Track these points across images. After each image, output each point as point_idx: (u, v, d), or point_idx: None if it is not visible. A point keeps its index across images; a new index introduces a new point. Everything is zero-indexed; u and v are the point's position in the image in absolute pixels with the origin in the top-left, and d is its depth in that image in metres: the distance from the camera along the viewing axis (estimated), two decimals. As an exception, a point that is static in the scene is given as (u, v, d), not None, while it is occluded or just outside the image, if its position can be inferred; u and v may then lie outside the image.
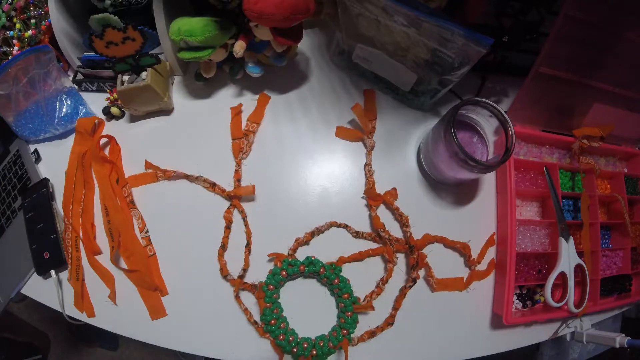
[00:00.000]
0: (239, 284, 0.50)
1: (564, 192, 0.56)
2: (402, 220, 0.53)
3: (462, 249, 0.53)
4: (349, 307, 0.49)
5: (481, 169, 0.47)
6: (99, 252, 0.53)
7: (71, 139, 0.60)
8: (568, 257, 0.52)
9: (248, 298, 0.51)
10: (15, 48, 0.58)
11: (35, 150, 0.61)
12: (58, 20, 0.57)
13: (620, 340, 0.48)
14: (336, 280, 0.50)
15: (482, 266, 0.53)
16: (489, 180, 0.58)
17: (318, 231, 0.53)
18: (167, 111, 0.61)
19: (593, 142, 0.57)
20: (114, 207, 0.54)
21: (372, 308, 0.50)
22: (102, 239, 0.54)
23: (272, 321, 0.48)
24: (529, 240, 0.55)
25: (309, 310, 0.51)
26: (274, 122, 0.59)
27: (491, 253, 0.54)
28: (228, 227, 0.53)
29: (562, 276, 0.51)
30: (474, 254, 0.53)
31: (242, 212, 0.54)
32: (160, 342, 0.50)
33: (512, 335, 0.53)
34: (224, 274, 0.51)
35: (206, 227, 0.54)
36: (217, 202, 0.55)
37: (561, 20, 0.47)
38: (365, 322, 0.50)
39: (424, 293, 0.52)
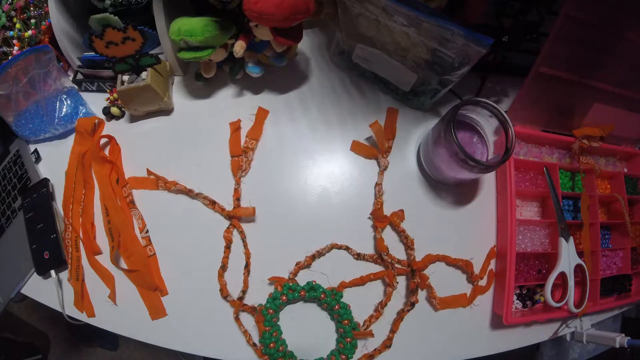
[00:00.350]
0: (239, 306, 0.50)
1: (564, 192, 0.56)
2: (407, 243, 0.52)
3: (464, 267, 0.53)
4: (349, 333, 0.49)
5: (481, 169, 0.47)
6: (99, 252, 0.53)
7: (71, 139, 0.60)
8: (568, 257, 0.52)
9: (248, 320, 0.51)
10: (15, 48, 0.58)
11: (35, 150, 0.61)
12: (58, 20, 0.57)
13: (620, 340, 0.48)
14: (337, 307, 0.49)
15: (484, 281, 0.53)
16: (489, 180, 0.58)
17: (319, 254, 0.52)
18: (167, 111, 0.61)
19: (593, 142, 0.57)
20: (114, 207, 0.54)
21: (372, 335, 0.49)
22: (102, 239, 0.54)
23: (271, 344, 0.48)
24: (529, 240, 0.55)
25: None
26: (274, 122, 0.59)
27: (490, 244, 0.54)
28: (228, 247, 0.52)
29: (562, 276, 0.51)
30: (475, 260, 0.53)
31: (241, 232, 0.53)
32: (160, 342, 0.50)
33: (512, 335, 0.53)
34: (224, 294, 0.50)
35: (206, 231, 0.54)
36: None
37: (561, 20, 0.47)
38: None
39: (424, 305, 0.52)
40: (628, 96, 0.56)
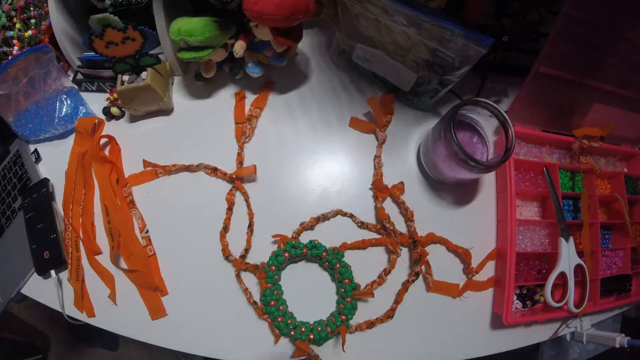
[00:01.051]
0: (241, 263, 0.50)
1: (564, 192, 0.56)
2: (407, 215, 0.53)
3: (463, 255, 0.53)
4: (349, 292, 0.49)
5: (481, 169, 0.47)
6: (99, 252, 0.53)
7: (71, 139, 0.60)
8: (568, 257, 0.52)
9: (249, 279, 0.51)
10: (15, 48, 0.58)
11: (35, 150, 0.61)
12: (58, 20, 0.57)
13: (620, 340, 0.48)
14: (338, 265, 0.50)
15: (479, 276, 0.53)
16: (489, 180, 0.58)
17: (324, 217, 0.53)
18: (167, 111, 0.61)
19: (593, 142, 0.57)
20: (114, 207, 0.54)
21: (372, 295, 0.50)
22: (102, 239, 0.54)
23: (272, 302, 0.48)
24: (529, 240, 0.55)
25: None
26: (274, 122, 0.59)
27: (490, 244, 0.54)
28: (230, 209, 0.53)
29: (562, 276, 0.51)
30: (474, 257, 0.53)
31: (244, 193, 0.54)
32: (160, 342, 0.50)
33: (512, 335, 0.52)
34: (226, 254, 0.51)
35: (207, 219, 0.54)
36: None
37: (561, 20, 0.47)
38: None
39: (425, 293, 0.52)
40: (628, 96, 0.56)
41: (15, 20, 0.57)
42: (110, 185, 0.55)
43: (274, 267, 0.49)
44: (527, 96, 0.55)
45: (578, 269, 0.52)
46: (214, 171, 0.55)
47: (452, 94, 0.61)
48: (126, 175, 0.56)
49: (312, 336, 0.48)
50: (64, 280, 0.53)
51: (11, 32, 0.57)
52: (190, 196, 0.55)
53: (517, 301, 0.54)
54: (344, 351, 0.47)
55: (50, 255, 0.52)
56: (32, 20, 0.60)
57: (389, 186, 0.55)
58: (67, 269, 0.53)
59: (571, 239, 0.52)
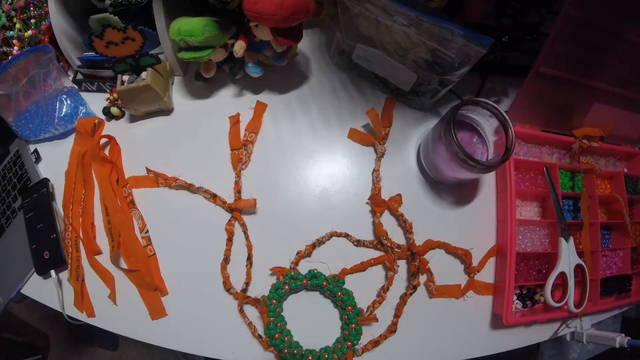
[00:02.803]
0: (242, 298, 0.50)
1: (564, 192, 0.56)
2: (406, 227, 0.53)
3: (463, 256, 0.53)
4: (353, 319, 0.49)
5: (481, 169, 0.47)
6: (99, 252, 0.53)
7: (71, 139, 0.60)
8: (568, 257, 0.52)
9: (252, 311, 0.51)
10: (15, 48, 0.58)
11: (35, 150, 0.61)
12: (58, 20, 0.57)
13: (620, 340, 0.48)
14: (339, 293, 0.50)
15: (481, 276, 0.53)
16: (489, 180, 0.58)
17: (319, 242, 0.53)
18: (167, 111, 0.61)
19: (593, 142, 0.57)
20: (114, 207, 0.54)
21: (376, 320, 0.50)
22: (102, 239, 0.54)
23: (276, 335, 0.48)
24: (529, 240, 0.55)
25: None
26: (274, 122, 0.59)
27: (490, 244, 0.54)
28: (230, 240, 0.53)
29: (562, 276, 0.51)
30: (475, 258, 0.53)
31: (242, 224, 0.53)
32: (160, 342, 0.50)
33: (512, 335, 0.52)
34: (227, 287, 0.51)
35: (206, 226, 0.54)
36: (218, 213, 0.55)
37: (561, 20, 0.47)
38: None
39: (425, 296, 0.52)
40: (628, 96, 0.56)
41: (15, 20, 0.57)
42: (110, 185, 0.55)
43: (275, 301, 0.49)
44: (527, 96, 0.55)
45: (578, 269, 0.52)
46: (213, 197, 0.54)
47: (452, 94, 0.61)
48: (126, 176, 0.56)
49: None
50: (64, 280, 0.53)
51: (11, 32, 0.57)
52: (191, 203, 0.55)
53: (517, 301, 0.54)
54: None
55: (50, 255, 0.52)
56: (32, 20, 0.60)
57: (388, 195, 0.54)
58: (67, 269, 0.53)
59: (571, 239, 0.52)
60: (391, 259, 0.51)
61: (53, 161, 0.60)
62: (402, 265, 0.53)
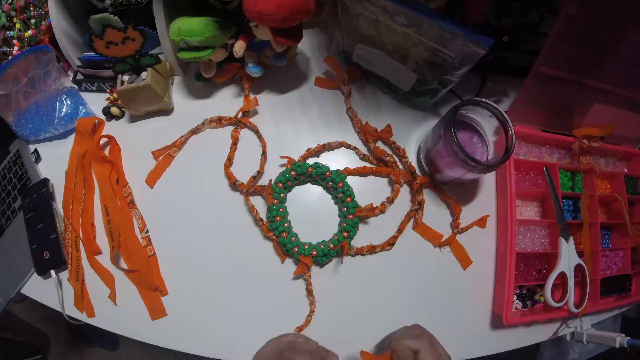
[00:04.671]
0: (250, 182, 0.53)
1: (564, 192, 0.56)
2: (400, 153, 0.56)
3: (453, 207, 0.54)
4: (351, 210, 0.51)
5: (481, 169, 0.47)
6: (99, 252, 0.53)
7: (71, 139, 0.60)
8: (568, 257, 0.52)
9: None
10: (15, 48, 0.58)
11: (35, 150, 0.61)
12: (58, 20, 0.57)
13: (620, 340, 0.48)
14: (340, 184, 0.53)
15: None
16: (489, 180, 0.58)
17: (329, 146, 0.56)
18: (167, 111, 0.61)
19: (593, 142, 0.57)
20: (114, 207, 0.54)
21: (373, 211, 0.52)
22: (102, 239, 0.54)
23: (277, 217, 0.50)
24: (529, 240, 0.55)
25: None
26: (274, 122, 0.59)
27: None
28: (234, 144, 0.57)
29: (562, 276, 0.51)
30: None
31: (254, 126, 0.57)
32: (160, 342, 0.50)
33: (512, 335, 0.53)
34: (232, 181, 0.53)
35: (207, 226, 0.54)
36: (219, 213, 0.55)
37: (561, 20, 0.47)
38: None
39: (428, 286, 0.53)
40: (628, 96, 0.56)
41: (15, 20, 0.57)
42: (110, 185, 0.55)
43: (280, 184, 0.52)
44: (527, 96, 0.55)
45: (578, 269, 0.52)
46: (219, 121, 0.58)
47: (452, 94, 0.61)
48: (126, 176, 0.56)
49: (315, 252, 0.49)
50: (64, 280, 0.53)
51: (11, 32, 0.57)
52: (190, 200, 0.55)
53: (517, 301, 0.54)
54: (341, 262, 0.50)
55: (50, 255, 0.52)
56: (32, 20, 0.60)
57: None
58: (67, 269, 0.53)
59: (571, 239, 0.52)
60: (397, 172, 0.54)
61: (53, 161, 0.60)
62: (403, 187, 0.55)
